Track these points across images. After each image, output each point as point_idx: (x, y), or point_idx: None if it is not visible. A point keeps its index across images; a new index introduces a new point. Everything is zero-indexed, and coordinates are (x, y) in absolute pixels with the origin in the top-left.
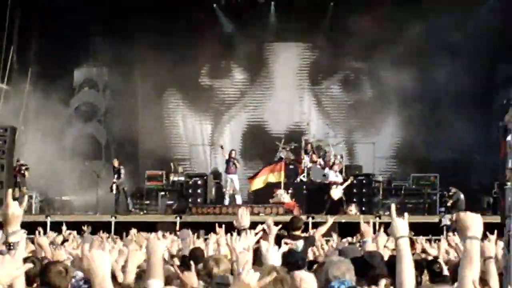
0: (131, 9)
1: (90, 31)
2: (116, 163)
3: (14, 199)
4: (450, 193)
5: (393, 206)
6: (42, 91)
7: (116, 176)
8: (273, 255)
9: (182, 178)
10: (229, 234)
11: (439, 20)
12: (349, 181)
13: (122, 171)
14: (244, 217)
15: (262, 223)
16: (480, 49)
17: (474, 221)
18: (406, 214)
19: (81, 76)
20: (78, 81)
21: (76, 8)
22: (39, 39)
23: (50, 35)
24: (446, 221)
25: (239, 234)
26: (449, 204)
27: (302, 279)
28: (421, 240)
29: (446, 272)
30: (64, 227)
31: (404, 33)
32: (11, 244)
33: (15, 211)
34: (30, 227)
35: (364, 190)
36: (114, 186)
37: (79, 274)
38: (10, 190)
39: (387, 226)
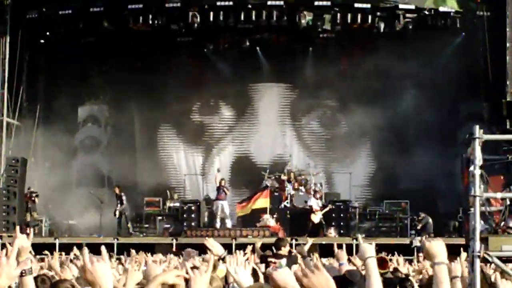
0: (127, 54)
1: (91, 73)
2: (117, 190)
3: (26, 223)
4: (420, 218)
5: (359, 236)
6: (50, 126)
7: (119, 202)
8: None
9: (178, 204)
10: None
11: (408, 60)
12: (328, 207)
13: (124, 197)
14: (215, 247)
15: (250, 244)
16: (445, 87)
17: (439, 248)
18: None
19: (84, 113)
20: (82, 117)
21: (78, 54)
22: (46, 80)
23: (55, 77)
24: (416, 242)
25: (224, 261)
26: (418, 227)
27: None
28: (396, 258)
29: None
30: (75, 248)
31: (375, 72)
32: (23, 271)
33: (24, 243)
34: (40, 248)
35: (341, 215)
36: (117, 212)
37: None
38: (18, 227)
39: None
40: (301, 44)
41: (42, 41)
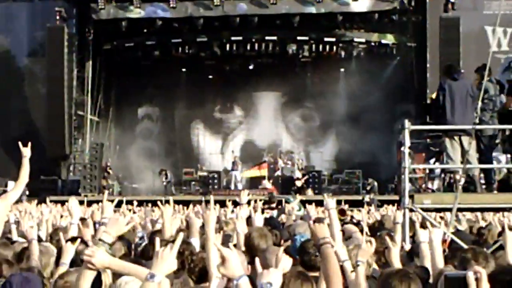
0: (171, 73)
1: (146, 86)
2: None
3: (103, 187)
4: (368, 182)
5: (325, 195)
6: (119, 121)
7: (165, 175)
8: (258, 220)
9: (205, 174)
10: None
11: (361, 75)
12: (306, 176)
13: (168, 173)
14: (243, 196)
15: (254, 201)
16: (386, 93)
17: (324, 230)
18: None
19: (142, 113)
20: (140, 116)
21: (138, 72)
22: (116, 90)
23: (123, 88)
24: (366, 199)
25: (236, 205)
26: (368, 188)
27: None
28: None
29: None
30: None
31: (339, 83)
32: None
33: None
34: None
35: (316, 181)
36: (165, 181)
37: (140, 233)
38: (106, 192)
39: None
40: (288, 66)
41: (113, 64)
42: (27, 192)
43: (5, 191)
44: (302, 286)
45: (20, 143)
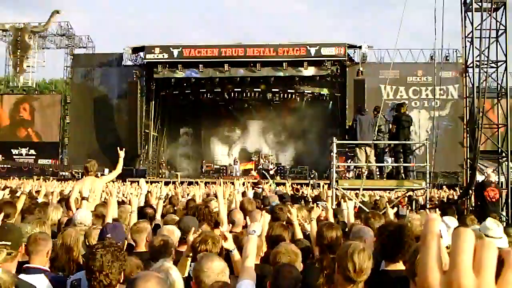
0: (200, 107)
1: (186, 115)
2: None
3: (158, 175)
4: (312, 172)
5: (288, 179)
6: (169, 135)
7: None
8: (249, 194)
9: (218, 166)
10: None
11: (308, 111)
12: (275, 168)
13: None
14: (239, 181)
15: (248, 182)
16: (324, 122)
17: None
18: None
19: (182, 131)
20: (181, 132)
21: (180, 101)
22: (167, 112)
23: (172, 116)
24: (311, 182)
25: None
26: (312, 176)
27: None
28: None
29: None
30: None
31: (295, 117)
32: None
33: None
34: (166, 184)
35: (282, 171)
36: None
37: (183, 200)
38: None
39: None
40: (267, 105)
41: (166, 103)
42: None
43: (102, 174)
44: (283, 230)
45: (118, 148)
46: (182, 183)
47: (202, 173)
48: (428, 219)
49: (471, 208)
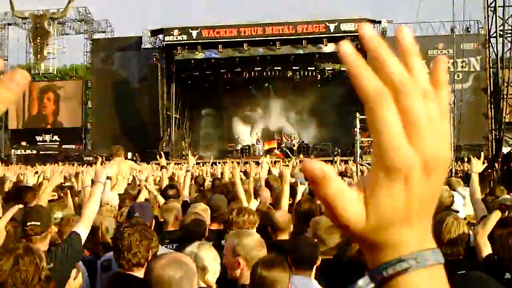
0: (222, 87)
1: (207, 96)
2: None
3: (182, 154)
4: (335, 149)
5: (312, 156)
6: (191, 117)
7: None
8: (274, 172)
9: (241, 146)
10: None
11: (331, 91)
12: (298, 146)
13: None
14: (263, 160)
15: (273, 162)
16: (346, 99)
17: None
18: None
19: (204, 112)
20: (203, 114)
21: (202, 89)
22: (188, 94)
23: (192, 93)
24: (335, 159)
25: (258, 165)
26: (335, 153)
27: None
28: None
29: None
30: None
31: (317, 94)
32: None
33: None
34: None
35: (305, 149)
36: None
37: (208, 178)
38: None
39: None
40: (288, 84)
41: (187, 84)
42: (139, 159)
43: (126, 158)
44: (312, 205)
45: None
46: (213, 164)
47: (225, 153)
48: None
49: (498, 180)
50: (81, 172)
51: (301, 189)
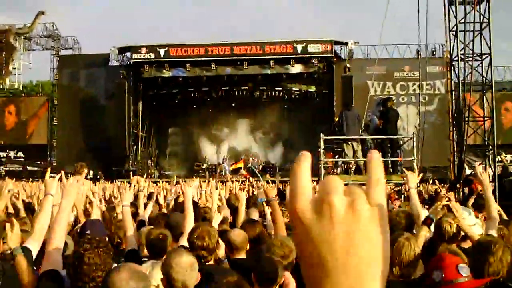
0: (189, 106)
1: (174, 115)
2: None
3: (148, 173)
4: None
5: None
6: (158, 136)
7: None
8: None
9: (206, 166)
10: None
11: (296, 109)
12: (264, 166)
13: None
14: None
15: (237, 180)
16: (312, 120)
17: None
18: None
19: (171, 131)
20: (170, 132)
21: (169, 108)
22: (156, 118)
23: (160, 116)
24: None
25: (223, 183)
26: None
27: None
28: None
29: None
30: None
31: (283, 114)
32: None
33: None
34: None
35: (271, 169)
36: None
37: (170, 197)
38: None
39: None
40: (254, 104)
41: (154, 103)
42: (102, 177)
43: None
44: (255, 227)
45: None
46: (169, 182)
47: (191, 172)
48: (300, 153)
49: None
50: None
51: (269, 211)
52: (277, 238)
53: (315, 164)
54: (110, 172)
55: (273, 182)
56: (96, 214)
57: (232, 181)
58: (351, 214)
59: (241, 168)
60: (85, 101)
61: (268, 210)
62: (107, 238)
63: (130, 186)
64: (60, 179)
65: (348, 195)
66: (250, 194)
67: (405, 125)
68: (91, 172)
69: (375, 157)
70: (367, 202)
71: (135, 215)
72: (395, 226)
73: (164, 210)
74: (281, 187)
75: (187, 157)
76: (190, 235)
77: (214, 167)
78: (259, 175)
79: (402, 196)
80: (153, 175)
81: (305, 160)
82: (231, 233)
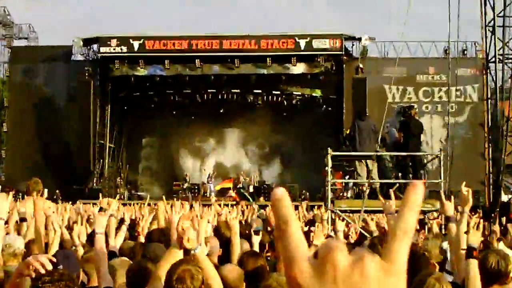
0: (167, 112)
1: (149, 123)
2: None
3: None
4: (303, 192)
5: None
6: (129, 147)
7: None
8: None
9: (188, 185)
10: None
11: (297, 117)
12: (258, 187)
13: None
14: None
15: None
16: (316, 130)
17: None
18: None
19: (145, 142)
20: (144, 144)
21: (143, 113)
22: (127, 125)
23: (132, 123)
24: (302, 204)
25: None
26: (302, 197)
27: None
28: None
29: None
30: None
31: (282, 124)
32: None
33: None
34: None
35: (266, 191)
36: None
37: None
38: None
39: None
40: (247, 110)
41: (125, 107)
42: (60, 197)
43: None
44: (256, 261)
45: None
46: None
47: (169, 193)
48: (274, 199)
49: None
50: None
51: (257, 240)
52: (272, 277)
53: (321, 187)
54: (70, 191)
55: (268, 206)
56: (56, 245)
57: (220, 205)
58: (359, 274)
59: (229, 188)
60: (42, 103)
61: (255, 240)
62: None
63: (100, 211)
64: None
65: (354, 254)
66: (243, 221)
67: (428, 140)
68: (46, 191)
69: (413, 197)
70: (381, 260)
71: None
72: (423, 264)
73: (142, 239)
74: None
75: (164, 174)
76: (167, 277)
77: (197, 187)
78: (249, 197)
79: (425, 227)
80: (122, 196)
81: (292, 217)
82: (222, 269)
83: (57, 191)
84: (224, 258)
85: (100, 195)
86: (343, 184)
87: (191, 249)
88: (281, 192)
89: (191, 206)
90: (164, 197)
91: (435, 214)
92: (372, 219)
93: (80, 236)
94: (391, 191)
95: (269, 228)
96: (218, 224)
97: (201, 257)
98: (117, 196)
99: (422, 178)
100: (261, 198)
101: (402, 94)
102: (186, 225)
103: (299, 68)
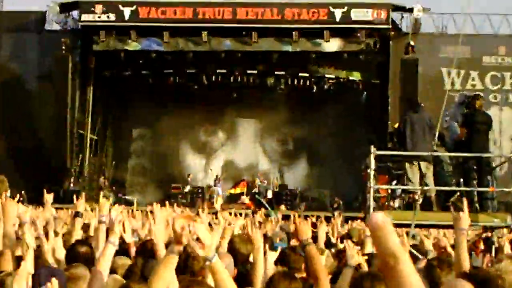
0: (165, 97)
1: (142, 110)
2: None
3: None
4: (335, 200)
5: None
6: (116, 140)
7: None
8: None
9: (191, 188)
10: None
11: (331, 108)
12: (279, 193)
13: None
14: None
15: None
16: (353, 124)
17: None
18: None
19: (136, 133)
20: (134, 136)
21: (135, 98)
22: (113, 114)
23: (120, 110)
24: (335, 214)
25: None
26: (335, 206)
27: None
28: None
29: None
30: None
31: (309, 114)
32: None
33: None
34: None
35: (289, 197)
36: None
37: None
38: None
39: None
40: (266, 96)
41: (112, 90)
42: (26, 199)
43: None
44: (290, 284)
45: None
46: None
47: (166, 199)
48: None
49: None
50: None
51: (272, 258)
52: None
53: (359, 194)
54: (40, 192)
55: (306, 217)
56: (31, 257)
57: (230, 214)
58: None
59: (242, 194)
60: (7, 83)
61: (271, 258)
62: None
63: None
64: None
65: None
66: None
67: (497, 138)
68: (8, 192)
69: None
70: None
71: (88, 258)
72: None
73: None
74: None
75: (159, 175)
76: None
77: (200, 191)
78: (267, 205)
79: (492, 246)
80: (106, 199)
81: (400, 250)
82: None
83: (23, 192)
84: (240, 280)
85: (75, 196)
86: (389, 191)
87: (207, 259)
88: (382, 219)
89: (198, 214)
90: (155, 204)
91: (505, 231)
92: (426, 236)
93: (56, 251)
94: (451, 202)
95: (292, 243)
96: (232, 240)
97: (220, 269)
98: (112, 200)
99: (489, 186)
100: (282, 206)
101: (464, 79)
102: (181, 225)
103: (333, 45)
